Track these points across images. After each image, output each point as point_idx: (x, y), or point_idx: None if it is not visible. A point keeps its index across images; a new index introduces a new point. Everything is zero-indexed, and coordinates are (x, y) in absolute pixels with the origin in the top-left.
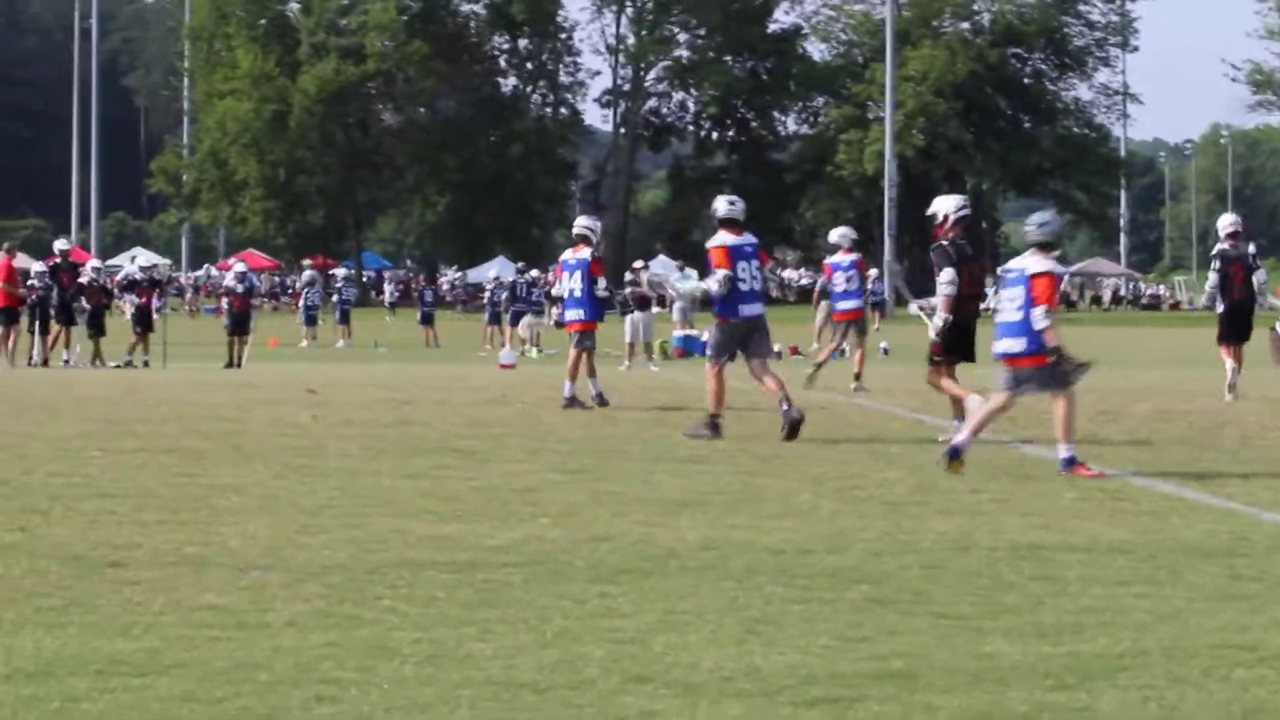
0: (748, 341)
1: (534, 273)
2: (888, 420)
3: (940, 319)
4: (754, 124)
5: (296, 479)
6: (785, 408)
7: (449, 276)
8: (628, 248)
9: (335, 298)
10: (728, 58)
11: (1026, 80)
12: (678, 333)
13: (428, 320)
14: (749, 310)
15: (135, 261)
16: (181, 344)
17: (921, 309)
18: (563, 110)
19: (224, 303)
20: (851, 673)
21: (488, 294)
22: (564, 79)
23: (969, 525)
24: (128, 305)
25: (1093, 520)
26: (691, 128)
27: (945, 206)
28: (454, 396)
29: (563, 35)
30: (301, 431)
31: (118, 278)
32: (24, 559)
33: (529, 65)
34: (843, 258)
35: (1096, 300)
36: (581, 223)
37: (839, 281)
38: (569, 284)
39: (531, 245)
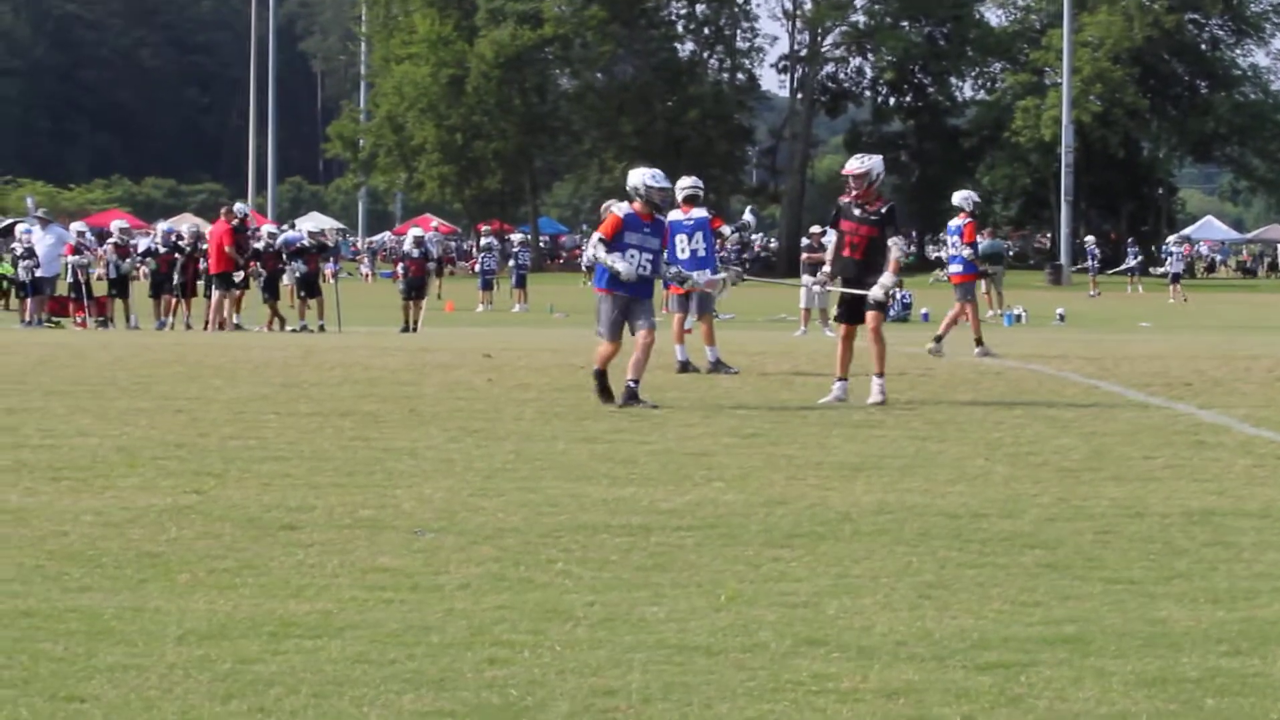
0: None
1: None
2: (1063, 386)
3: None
4: (931, 90)
5: (471, 443)
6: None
7: None
8: (804, 212)
9: (512, 263)
10: (905, 23)
11: (1203, 46)
12: None
13: None
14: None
15: (299, 227)
16: (357, 308)
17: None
18: (740, 75)
19: (400, 267)
20: (1024, 637)
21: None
22: (741, 44)
23: (1142, 491)
24: (291, 272)
25: (1267, 486)
26: (868, 93)
27: (877, 166)
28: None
29: (740, 0)
30: (477, 395)
31: (277, 242)
32: (199, 521)
33: (706, 30)
34: (959, 221)
35: (1274, 267)
36: (687, 182)
37: (950, 246)
38: (688, 245)
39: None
